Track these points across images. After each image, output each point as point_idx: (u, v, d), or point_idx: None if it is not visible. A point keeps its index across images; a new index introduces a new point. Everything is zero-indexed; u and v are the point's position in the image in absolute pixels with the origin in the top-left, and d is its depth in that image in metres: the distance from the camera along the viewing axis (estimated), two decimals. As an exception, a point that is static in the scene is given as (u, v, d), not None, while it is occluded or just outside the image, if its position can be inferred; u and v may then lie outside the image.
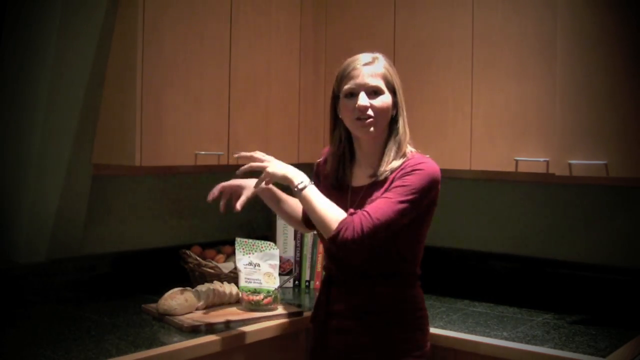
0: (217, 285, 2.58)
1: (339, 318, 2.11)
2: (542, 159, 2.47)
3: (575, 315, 2.56)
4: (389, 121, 2.08)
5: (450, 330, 2.35)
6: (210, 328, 2.27)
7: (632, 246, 2.62)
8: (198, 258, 2.80)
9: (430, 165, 2.02)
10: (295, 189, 2.02)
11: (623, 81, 2.25)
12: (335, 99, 2.11)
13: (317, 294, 2.93)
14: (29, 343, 2.09)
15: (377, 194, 2.02)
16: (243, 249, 2.55)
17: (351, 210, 1.98)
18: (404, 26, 2.83)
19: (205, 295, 2.49)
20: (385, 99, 2.03)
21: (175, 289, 2.44)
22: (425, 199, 2.00)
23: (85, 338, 2.13)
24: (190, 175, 3.09)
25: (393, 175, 2.02)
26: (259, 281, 2.50)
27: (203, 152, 2.64)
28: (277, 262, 2.55)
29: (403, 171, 2.00)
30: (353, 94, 2.03)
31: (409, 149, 2.10)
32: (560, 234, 2.80)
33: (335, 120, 2.13)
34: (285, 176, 2.04)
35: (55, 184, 2.52)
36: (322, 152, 2.30)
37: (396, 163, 2.03)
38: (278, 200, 2.30)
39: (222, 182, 2.25)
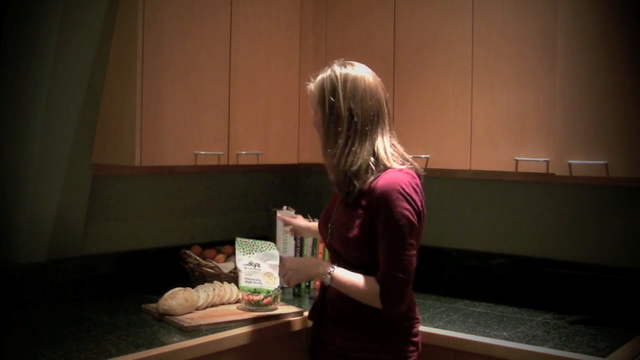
0: (217, 285, 2.58)
1: (332, 320, 2.13)
2: (542, 159, 2.47)
3: (575, 315, 2.56)
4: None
5: (450, 330, 2.35)
6: (210, 328, 2.27)
7: (632, 246, 2.62)
8: (198, 258, 2.80)
9: (395, 182, 1.96)
10: (325, 282, 2.08)
11: (623, 81, 2.25)
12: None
13: (317, 293, 2.95)
14: (29, 343, 2.09)
15: (352, 207, 2.03)
16: (243, 249, 2.55)
17: (378, 275, 1.97)
18: (404, 26, 2.83)
19: (205, 295, 2.49)
20: (317, 115, 2.08)
21: (175, 289, 2.44)
22: (416, 212, 1.97)
23: (85, 338, 2.13)
24: (190, 175, 3.09)
25: (367, 194, 1.99)
26: (259, 281, 2.49)
27: (203, 152, 2.64)
28: (277, 262, 2.52)
29: (374, 200, 1.96)
30: None
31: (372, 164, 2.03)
32: (560, 234, 2.80)
33: None
34: (314, 276, 2.23)
35: (55, 184, 2.52)
36: None
37: (363, 185, 2.00)
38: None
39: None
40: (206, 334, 2.22)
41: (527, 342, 2.21)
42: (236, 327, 2.31)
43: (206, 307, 2.48)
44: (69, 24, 2.42)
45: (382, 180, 1.97)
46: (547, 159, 2.46)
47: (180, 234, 3.06)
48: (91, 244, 2.74)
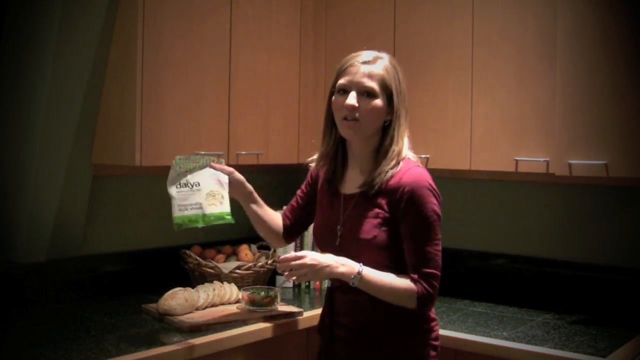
0: (217, 285, 2.58)
1: (343, 328, 2.01)
2: (542, 159, 2.47)
3: (575, 315, 2.56)
4: (382, 128, 1.95)
5: (450, 330, 2.35)
6: (210, 328, 2.27)
7: (632, 246, 2.62)
8: (198, 258, 2.80)
9: (423, 178, 1.90)
10: (352, 283, 1.88)
11: (623, 81, 2.25)
12: (331, 95, 1.98)
13: (317, 293, 2.95)
14: (29, 343, 2.09)
15: (369, 208, 1.92)
16: (179, 168, 2.01)
17: (411, 274, 1.88)
18: (404, 26, 2.83)
19: (205, 295, 2.49)
20: (376, 103, 1.89)
21: (175, 289, 2.44)
22: (440, 206, 1.93)
23: (85, 338, 2.13)
24: (190, 175, 3.08)
25: (388, 192, 1.90)
26: (198, 206, 1.95)
27: (203, 152, 2.64)
28: (226, 179, 2.03)
29: (402, 197, 1.87)
30: (345, 91, 1.91)
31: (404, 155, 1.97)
32: (560, 234, 2.80)
33: (331, 118, 2.00)
34: (335, 276, 1.91)
35: (55, 184, 2.52)
36: (312, 160, 2.15)
37: (385, 175, 1.91)
38: (259, 206, 2.22)
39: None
40: (206, 334, 2.22)
41: (527, 342, 2.21)
42: (236, 327, 2.31)
43: (206, 307, 2.48)
44: (69, 24, 2.42)
45: (408, 177, 1.88)
46: (547, 159, 2.46)
47: (180, 234, 3.04)
48: (91, 244, 2.74)
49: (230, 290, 2.58)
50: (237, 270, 2.75)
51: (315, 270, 1.89)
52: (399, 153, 1.93)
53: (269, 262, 2.82)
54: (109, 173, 2.73)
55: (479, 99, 2.63)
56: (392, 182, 1.89)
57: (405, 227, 1.88)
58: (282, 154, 3.00)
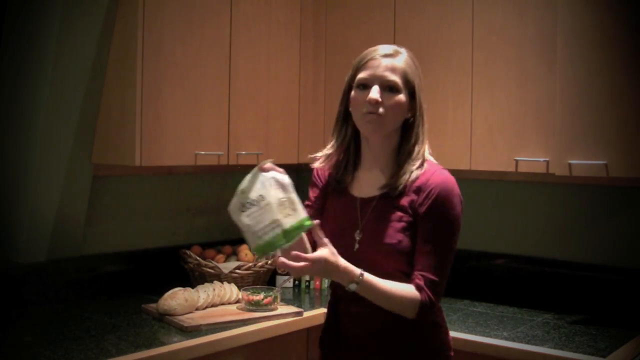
0: (217, 285, 2.58)
1: (352, 343, 1.83)
2: (542, 159, 2.47)
3: (575, 315, 2.56)
4: (403, 125, 1.82)
5: (450, 330, 2.34)
6: (210, 328, 2.27)
7: (632, 246, 2.62)
8: (198, 258, 2.80)
9: (453, 182, 1.80)
10: (349, 289, 1.69)
11: (623, 81, 2.25)
12: (348, 90, 1.84)
13: (317, 293, 2.95)
14: (29, 343, 2.09)
15: (391, 211, 1.78)
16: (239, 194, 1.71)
17: (417, 281, 1.71)
18: (404, 26, 2.83)
19: (205, 295, 2.49)
20: (400, 98, 1.77)
21: (175, 289, 2.44)
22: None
23: (85, 338, 2.13)
24: (190, 175, 3.09)
25: (412, 193, 1.77)
26: (275, 223, 1.60)
27: (203, 152, 2.64)
28: (288, 182, 1.68)
29: (429, 197, 1.75)
30: (366, 86, 1.78)
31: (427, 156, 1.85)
32: (560, 234, 2.80)
33: (346, 114, 1.85)
34: (330, 278, 1.75)
35: (55, 184, 2.52)
36: (315, 158, 1.95)
37: (410, 175, 1.78)
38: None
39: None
40: (206, 334, 2.22)
41: (527, 342, 2.21)
42: (236, 327, 2.31)
43: (206, 307, 2.48)
44: (69, 24, 2.42)
45: (438, 178, 1.78)
46: (547, 159, 2.46)
47: (180, 234, 3.06)
48: (91, 244, 2.74)
49: (230, 290, 2.58)
50: (237, 270, 2.75)
51: (323, 267, 1.65)
52: (423, 153, 1.83)
53: (269, 262, 2.82)
54: (109, 173, 2.73)
55: (479, 99, 2.63)
56: (418, 183, 1.78)
57: (425, 227, 1.75)
58: (282, 154, 3.00)
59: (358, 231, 1.81)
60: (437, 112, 2.73)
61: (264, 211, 1.62)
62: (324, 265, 1.64)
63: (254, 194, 1.66)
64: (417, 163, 1.80)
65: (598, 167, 2.28)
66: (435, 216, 1.75)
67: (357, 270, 1.69)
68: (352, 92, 1.81)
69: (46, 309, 2.49)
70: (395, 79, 1.77)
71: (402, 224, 1.77)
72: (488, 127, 2.61)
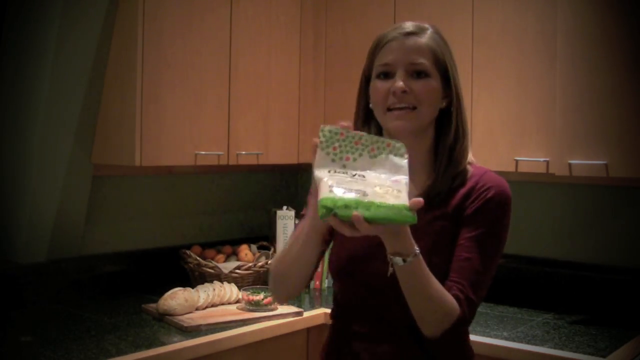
0: (217, 285, 2.58)
1: None
2: (542, 159, 2.47)
3: (575, 315, 2.56)
4: (437, 118, 1.51)
5: (450, 330, 2.35)
6: (210, 328, 2.27)
7: (632, 246, 2.62)
8: (198, 258, 2.80)
9: (508, 188, 1.50)
10: (404, 260, 1.32)
11: (623, 81, 2.25)
12: (366, 82, 1.54)
13: (317, 293, 2.94)
14: (29, 343, 2.09)
15: (432, 224, 1.46)
16: (329, 147, 1.34)
17: (456, 292, 1.40)
18: (404, 26, 2.83)
19: (205, 295, 2.49)
20: (431, 84, 1.46)
21: (175, 289, 2.44)
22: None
23: (85, 338, 2.13)
24: (190, 175, 3.09)
25: (457, 199, 1.47)
26: (361, 193, 1.26)
27: (203, 152, 2.64)
28: (405, 178, 1.34)
29: (479, 198, 1.46)
30: (388, 74, 1.47)
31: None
32: (560, 234, 2.80)
33: (367, 112, 1.54)
34: (395, 238, 1.31)
35: (55, 184, 2.52)
36: None
37: (453, 181, 1.49)
38: (320, 243, 1.47)
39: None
40: (206, 334, 2.22)
41: (527, 342, 2.21)
42: (236, 327, 2.31)
43: (206, 307, 2.48)
44: (69, 24, 2.42)
45: (491, 178, 1.49)
46: (547, 159, 2.46)
47: (180, 234, 3.06)
48: (91, 244, 2.74)
49: (230, 290, 2.58)
50: (237, 270, 2.75)
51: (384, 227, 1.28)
52: (468, 151, 1.53)
53: (269, 262, 2.82)
54: (109, 173, 2.73)
55: (479, 98, 2.63)
56: (465, 189, 1.48)
57: (470, 232, 1.44)
58: (282, 154, 3.00)
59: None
60: (437, 112, 2.73)
61: (355, 181, 1.29)
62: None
63: (354, 169, 1.32)
64: (462, 164, 1.50)
65: (598, 167, 2.28)
66: (486, 220, 1.45)
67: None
68: (372, 84, 1.49)
69: (46, 309, 2.49)
70: (423, 60, 1.46)
71: (445, 238, 1.46)
72: (488, 127, 2.61)
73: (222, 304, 2.54)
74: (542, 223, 2.85)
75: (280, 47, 2.98)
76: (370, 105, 1.52)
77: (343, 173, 1.31)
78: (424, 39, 1.48)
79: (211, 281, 2.64)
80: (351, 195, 1.24)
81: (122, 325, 2.29)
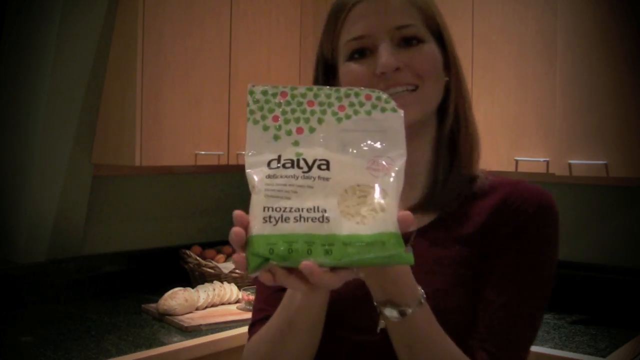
0: (217, 285, 2.58)
1: None
2: (542, 159, 2.47)
3: (575, 315, 2.56)
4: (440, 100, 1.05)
5: (450, 330, 2.35)
6: (210, 328, 2.27)
7: (632, 246, 2.62)
8: (198, 258, 2.80)
9: (552, 200, 1.12)
10: (401, 313, 0.85)
11: (623, 81, 2.25)
12: (325, 69, 1.06)
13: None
14: (29, 343, 2.09)
15: (439, 250, 1.00)
16: (267, 113, 0.82)
17: (484, 357, 0.97)
18: (404, 26, 2.83)
19: (205, 295, 2.49)
20: (429, 49, 1.01)
21: (175, 289, 2.44)
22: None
23: (85, 338, 2.13)
24: (190, 175, 3.09)
25: (478, 214, 1.02)
26: (320, 214, 0.74)
27: (203, 152, 2.64)
28: (400, 155, 0.80)
29: (517, 214, 1.04)
30: (363, 51, 1.00)
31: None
32: (560, 234, 2.79)
33: None
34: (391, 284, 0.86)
35: (55, 184, 2.52)
36: None
37: (469, 186, 1.05)
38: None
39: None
40: (206, 334, 2.22)
41: (527, 342, 2.21)
42: (236, 327, 2.31)
43: (206, 307, 2.48)
44: (69, 24, 2.42)
45: (529, 190, 1.07)
46: (547, 159, 2.46)
47: (180, 234, 3.06)
48: (91, 244, 2.74)
49: (230, 290, 2.58)
50: (237, 270, 2.75)
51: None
52: (476, 136, 1.10)
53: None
54: (109, 173, 2.73)
55: (479, 98, 2.63)
56: (493, 200, 1.04)
57: (505, 264, 0.99)
58: (282, 154, 3.00)
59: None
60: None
61: (310, 185, 0.76)
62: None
63: (309, 151, 0.79)
64: (471, 158, 1.06)
65: (598, 167, 2.28)
66: (525, 249, 1.02)
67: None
68: (341, 70, 1.02)
69: (46, 309, 2.49)
70: (411, 21, 1.00)
71: (467, 273, 0.99)
72: (488, 127, 2.61)
73: (222, 304, 2.54)
74: (542, 223, 2.84)
75: (280, 48, 2.98)
76: None
77: (289, 166, 0.77)
78: None
79: (211, 281, 2.64)
80: (299, 229, 0.73)
81: (122, 325, 2.29)
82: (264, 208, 0.76)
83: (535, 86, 2.50)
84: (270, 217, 0.75)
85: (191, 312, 2.39)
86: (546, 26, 2.46)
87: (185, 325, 2.25)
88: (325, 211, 0.74)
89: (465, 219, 1.01)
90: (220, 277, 2.71)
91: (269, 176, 0.77)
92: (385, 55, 0.97)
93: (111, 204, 2.81)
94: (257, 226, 0.75)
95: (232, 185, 3.25)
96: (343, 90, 0.82)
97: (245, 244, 0.76)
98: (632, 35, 2.24)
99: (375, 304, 0.86)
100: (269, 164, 0.78)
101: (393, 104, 0.82)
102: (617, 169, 2.27)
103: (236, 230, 0.76)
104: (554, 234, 1.08)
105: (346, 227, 0.73)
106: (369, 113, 0.81)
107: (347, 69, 1.00)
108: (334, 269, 0.73)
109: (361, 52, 1.00)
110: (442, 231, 1.01)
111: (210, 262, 2.78)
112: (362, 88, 0.83)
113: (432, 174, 1.05)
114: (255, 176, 0.78)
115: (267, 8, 2.91)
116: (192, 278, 2.83)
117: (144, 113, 2.45)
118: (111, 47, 2.50)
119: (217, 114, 2.71)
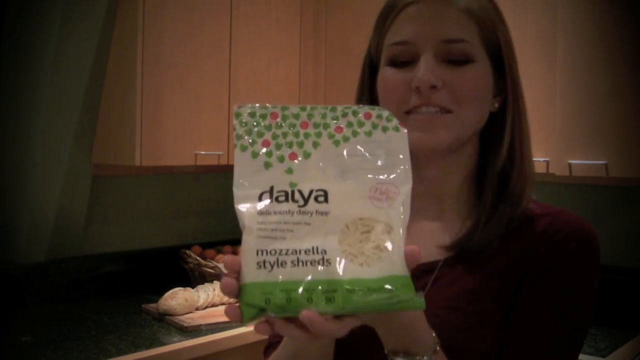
0: (217, 285, 2.58)
1: None
2: (542, 159, 2.47)
3: (575, 315, 2.55)
4: (485, 125, 0.99)
5: (450, 330, 2.35)
6: (210, 328, 2.27)
7: (632, 246, 2.62)
8: (198, 258, 2.80)
9: (594, 233, 1.04)
10: (422, 358, 0.78)
11: (623, 81, 2.25)
12: (370, 69, 0.99)
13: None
14: (29, 343, 2.09)
15: (463, 290, 0.90)
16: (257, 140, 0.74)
17: None
18: (404, 26, 2.83)
19: (205, 295, 2.49)
20: (476, 72, 0.92)
21: (175, 289, 2.44)
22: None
23: (85, 338, 2.13)
24: (190, 175, 3.09)
25: (520, 250, 0.93)
26: (319, 256, 0.67)
27: (203, 152, 2.64)
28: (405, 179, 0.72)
29: (558, 246, 0.96)
30: (405, 60, 0.91)
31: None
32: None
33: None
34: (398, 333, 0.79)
35: (55, 184, 2.52)
36: None
37: (511, 222, 0.95)
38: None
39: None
40: (206, 334, 2.22)
41: (527, 342, 2.21)
42: (236, 327, 2.31)
43: (206, 307, 2.48)
44: (69, 24, 2.42)
45: (570, 221, 1.02)
46: (547, 159, 2.46)
47: (180, 234, 3.06)
48: (91, 244, 2.74)
49: (230, 290, 2.58)
50: (237, 270, 2.75)
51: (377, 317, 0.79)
52: (533, 177, 1.03)
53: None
54: (109, 173, 2.73)
55: (479, 99, 2.63)
56: (530, 231, 0.96)
57: (541, 303, 0.91)
58: (282, 154, 3.00)
59: None
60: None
61: (308, 221, 0.69)
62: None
63: (306, 184, 0.71)
64: (522, 201, 0.97)
65: (598, 167, 2.28)
66: (564, 286, 0.93)
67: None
68: (380, 73, 0.94)
69: (46, 309, 2.49)
70: (464, 35, 0.89)
71: (496, 311, 0.90)
72: (488, 127, 2.61)
73: (222, 304, 2.53)
74: (542, 223, 2.84)
75: (280, 48, 2.98)
76: (380, 102, 0.94)
77: (283, 199, 0.69)
78: (463, 0, 0.90)
79: (211, 281, 2.64)
80: (297, 274, 0.66)
81: (122, 325, 2.29)
82: (257, 251, 0.67)
83: (535, 86, 2.50)
84: (264, 261, 0.66)
85: (191, 312, 2.39)
86: (546, 26, 2.46)
87: (185, 325, 2.25)
88: (325, 252, 0.66)
89: (498, 249, 0.91)
90: (221, 277, 2.71)
91: (260, 212, 0.69)
92: (424, 69, 0.87)
93: (111, 204, 2.81)
94: (251, 273, 0.66)
95: (232, 185, 3.24)
96: (340, 108, 0.75)
97: (238, 292, 0.66)
98: (631, 35, 2.24)
99: (385, 352, 0.78)
100: (260, 197, 0.70)
101: (395, 122, 0.74)
102: (616, 169, 2.27)
103: (226, 281, 0.67)
104: (594, 270, 0.97)
105: (349, 270, 0.66)
106: (369, 134, 0.73)
107: (384, 74, 0.93)
108: (338, 316, 0.66)
109: (401, 60, 0.91)
110: (471, 262, 0.90)
111: (210, 262, 2.78)
112: (361, 105, 0.77)
113: (473, 211, 0.94)
114: (246, 213, 0.69)
115: (267, 9, 2.91)
116: (192, 278, 2.83)
117: (144, 113, 2.45)
118: (111, 48, 2.51)
119: (217, 114, 2.71)
